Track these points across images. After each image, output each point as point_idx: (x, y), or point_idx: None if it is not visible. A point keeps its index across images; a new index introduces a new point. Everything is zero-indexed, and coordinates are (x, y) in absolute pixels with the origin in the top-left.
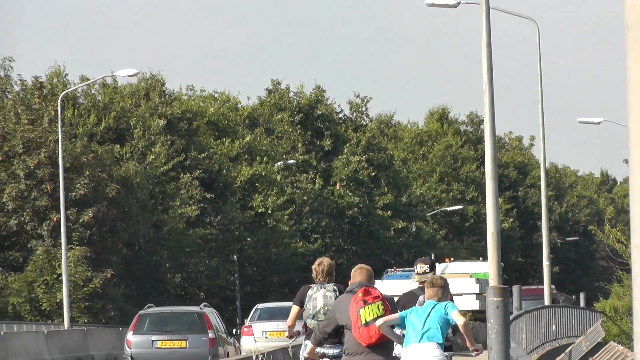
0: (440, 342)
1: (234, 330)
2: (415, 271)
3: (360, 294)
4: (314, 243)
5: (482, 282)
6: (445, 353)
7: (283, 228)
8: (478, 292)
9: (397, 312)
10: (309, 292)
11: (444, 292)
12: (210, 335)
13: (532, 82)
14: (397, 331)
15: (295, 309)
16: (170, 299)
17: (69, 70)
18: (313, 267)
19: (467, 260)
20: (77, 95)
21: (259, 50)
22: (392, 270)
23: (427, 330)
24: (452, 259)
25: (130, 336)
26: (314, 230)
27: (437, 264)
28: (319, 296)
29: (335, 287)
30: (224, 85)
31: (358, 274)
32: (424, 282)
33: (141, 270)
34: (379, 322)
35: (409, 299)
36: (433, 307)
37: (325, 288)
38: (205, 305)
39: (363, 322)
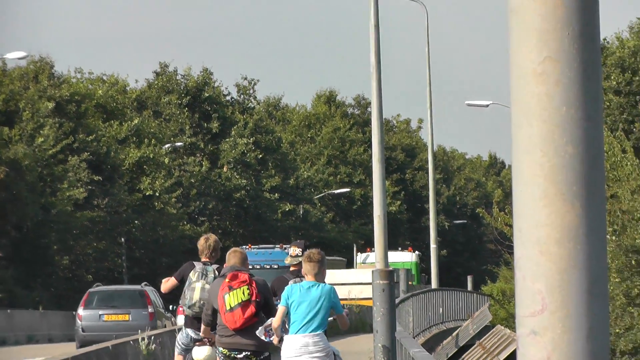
0: (325, 329)
1: (171, 307)
2: (289, 254)
3: (227, 280)
4: (201, 226)
5: (397, 272)
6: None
7: (170, 211)
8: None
9: (269, 296)
10: (191, 274)
11: (322, 267)
12: (150, 310)
13: (421, 65)
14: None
15: (173, 281)
16: (58, 281)
17: None
18: (199, 242)
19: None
20: None
21: (147, 33)
22: (247, 247)
23: (314, 318)
24: (372, 248)
25: (80, 311)
26: (201, 213)
27: (359, 254)
28: (197, 287)
29: (215, 275)
30: (113, 68)
31: (232, 257)
32: (297, 264)
33: (29, 253)
34: (274, 324)
35: (280, 284)
36: (320, 292)
37: (206, 277)
38: (145, 284)
39: (227, 307)
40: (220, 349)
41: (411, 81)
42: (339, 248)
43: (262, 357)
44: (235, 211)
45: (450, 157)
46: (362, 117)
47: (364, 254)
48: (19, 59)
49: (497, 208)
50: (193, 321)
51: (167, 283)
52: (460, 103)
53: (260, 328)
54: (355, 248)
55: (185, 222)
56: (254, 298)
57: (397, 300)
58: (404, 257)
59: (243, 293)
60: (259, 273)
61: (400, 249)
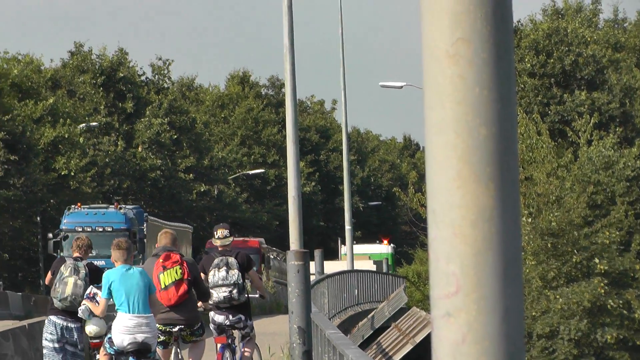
0: (149, 311)
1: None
2: (217, 236)
3: (161, 260)
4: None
5: (377, 263)
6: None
7: (85, 190)
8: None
9: (198, 275)
10: (62, 268)
11: (129, 254)
12: None
13: (334, 46)
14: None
15: (49, 275)
16: None
17: None
18: (73, 241)
19: (368, 243)
20: None
21: (62, 12)
22: (76, 206)
23: (138, 298)
24: (354, 241)
25: None
26: (115, 192)
27: (342, 246)
28: (70, 282)
29: (86, 271)
30: (27, 48)
31: (163, 237)
32: (225, 245)
33: None
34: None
35: (208, 261)
36: (138, 274)
37: (78, 272)
38: None
39: (162, 286)
40: (157, 324)
41: (325, 62)
42: (253, 228)
43: (195, 328)
44: (150, 191)
45: (364, 139)
46: (276, 98)
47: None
48: None
49: (413, 188)
50: (64, 312)
51: (47, 277)
52: (375, 84)
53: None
54: (339, 240)
55: (99, 201)
56: (185, 277)
57: (312, 282)
58: (381, 249)
59: (176, 272)
60: (89, 236)
61: (377, 242)
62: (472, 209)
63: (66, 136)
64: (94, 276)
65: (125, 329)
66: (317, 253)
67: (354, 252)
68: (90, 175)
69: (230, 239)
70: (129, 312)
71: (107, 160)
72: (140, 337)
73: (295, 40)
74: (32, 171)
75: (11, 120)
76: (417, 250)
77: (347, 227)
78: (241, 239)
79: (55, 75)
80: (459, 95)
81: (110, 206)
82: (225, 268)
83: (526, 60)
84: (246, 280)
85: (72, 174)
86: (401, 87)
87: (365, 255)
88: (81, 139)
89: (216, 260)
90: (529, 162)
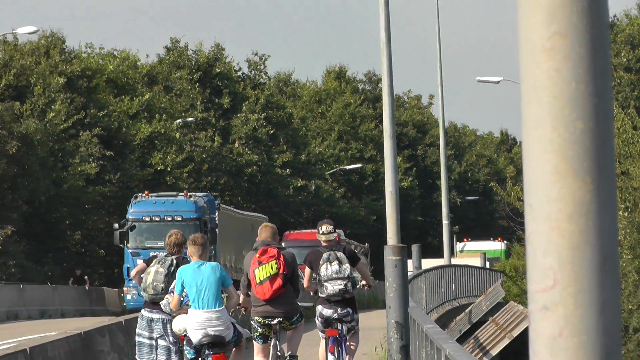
0: (221, 304)
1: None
2: (321, 231)
3: (258, 255)
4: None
5: (491, 260)
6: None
7: (182, 186)
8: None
9: (298, 267)
10: (152, 263)
11: (204, 249)
12: None
13: (431, 41)
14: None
15: (140, 265)
16: (70, 256)
17: None
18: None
19: (482, 240)
20: None
21: (158, 8)
22: (144, 195)
23: (209, 293)
24: (469, 238)
25: None
26: (212, 188)
27: (457, 243)
28: (151, 271)
29: (174, 261)
30: (124, 44)
31: (263, 231)
32: (330, 240)
33: (41, 228)
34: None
35: (315, 256)
36: (210, 269)
37: (162, 263)
38: None
39: (257, 281)
40: (256, 317)
41: (422, 57)
42: (351, 224)
43: (293, 320)
44: (246, 187)
45: (461, 134)
46: (373, 93)
47: (462, 243)
48: (30, 33)
49: (511, 182)
50: (151, 304)
51: (136, 268)
52: (472, 79)
53: None
54: (455, 238)
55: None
56: (281, 271)
57: (409, 277)
58: (495, 246)
59: (271, 267)
60: (157, 226)
61: (492, 239)
62: (569, 203)
63: (162, 132)
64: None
65: (197, 324)
66: (415, 248)
67: (468, 249)
68: (186, 171)
69: (335, 234)
70: (199, 308)
71: (203, 156)
72: (211, 331)
73: (392, 35)
74: (128, 167)
75: (107, 116)
76: (515, 245)
77: (445, 221)
78: None
79: (151, 71)
80: (556, 90)
81: (180, 194)
82: (336, 262)
83: (622, 54)
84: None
85: (169, 169)
86: (498, 81)
87: (478, 252)
88: (177, 135)
89: (325, 255)
90: (625, 157)
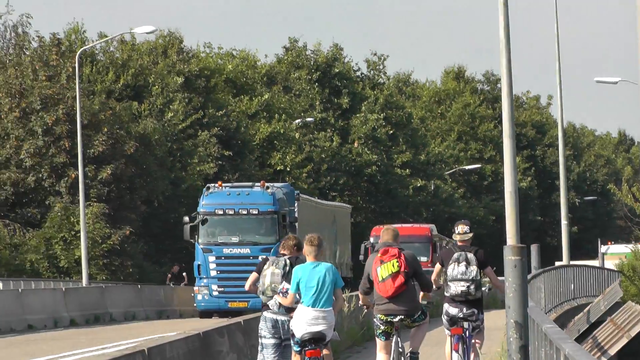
0: (330, 305)
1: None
2: (457, 232)
3: (379, 254)
4: (332, 201)
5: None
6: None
7: (301, 186)
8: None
9: (418, 267)
10: (265, 266)
11: (319, 249)
12: None
13: (550, 41)
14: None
15: (253, 275)
16: (188, 256)
17: (87, 27)
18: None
19: (625, 243)
20: (95, 52)
21: (276, 8)
22: (217, 185)
23: (321, 293)
24: (612, 242)
25: None
26: (332, 188)
27: (602, 246)
28: (267, 274)
29: (287, 261)
30: (242, 43)
31: (385, 234)
32: (465, 240)
33: (159, 228)
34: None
35: (447, 254)
36: (324, 270)
37: (276, 264)
38: None
39: (380, 279)
40: (378, 315)
41: (540, 57)
42: (470, 224)
43: (415, 317)
44: (366, 187)
45: (580, 134)
46: (492, 93)
47: (605, 246)
48: (148, 33)
49: (626, 185)
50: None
51: (251, 278)
52: (590, 80)
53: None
54: (599, 241)
55: (316, 198)
56: (402, 269)
57: (528, 277)
58: (624, 250)
59: (393, 265)
60: (231, 220)
61: (633, 242)
62: None
63: (281, 132)
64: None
65: (305, 321)
66: (534, 248)
67: (611, 252)
68: (305, 171)
69: (470, 234)
70: (310, 306)
71: (322, 156)
72: (316, 328)
73: (511, 35)
74: (246, 167)
75: (225, 116)
76: (633, 245)
77: (563, 222)
78: (410, 225)
79: (270, 71)
80: None
81: (256, 184)
82: (464, 263)
83: None
84: (483, 278)
85: (288, 169)
86: (616, 82)
87: (620, 254)
88: (297, 135)
89: (455, 255)
90: None
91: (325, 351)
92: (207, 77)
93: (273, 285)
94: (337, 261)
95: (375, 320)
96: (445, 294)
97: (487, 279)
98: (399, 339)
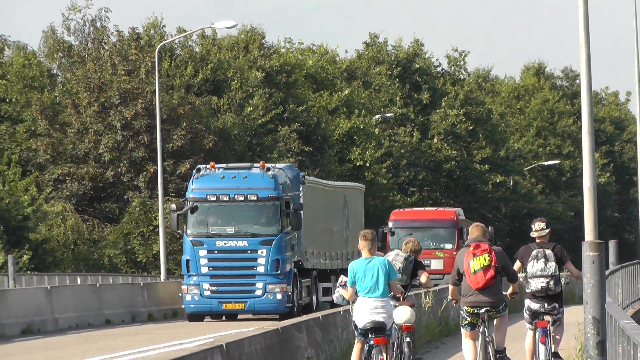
0: (387, 296)
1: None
2: (534, 229)
3: (471, 248)
4: (411, 196)
5: None
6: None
7: (381, 181)
8: None
9: (505, 262)
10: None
11: (373, 244)
12: None
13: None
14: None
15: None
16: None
17: (167, 21)
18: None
19: None
20: (174, 46)
21: (357, 3)
22: (209, 167)
23: (376, 285)
24: None
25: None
26: (411, 184)
27: None
28: (391, 254)
29: (406, 256)
30: (322, 38)
31: (474, 230)
32: (542, 237)
33: None
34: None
35: (526, 251)
36: (377, 264)
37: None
38: None
39: (472, 270)
40: (465, 307)
41: (619, 53)
42: (548, 219)
43: (499, 309)
44: (445, 182)
45: None
46: (571, 89)
47: None
48: (228, 28)
49: None
50: None
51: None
52: None
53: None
54: None
55: (395, 193)
56: (493, 263)
57: (606, 273)
58: None
59: (484, 259)
60: (226, 208)
61: None
62: None
63: (361, 127)
64: (415, 267)
65: (365, 311)
66: (612, 244)
67: None
68: (385, 167)
69: (547, 231)
70: (368, 297)
71: (402, 151)
72: (377, 318)
73: (590, 31)
74: (326, 162)
75: (305, 112)
76: None
77: None
78: (434, 209)
79: (350, 66)
80: None
81: (255, 165)
82: (543, 260)
83: None
84: (562, 272)
85: (368, 165)
86: None
87: None
88: (377, 130)
89: (534, 252)
90: None
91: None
92: (287, 73)
93: (393, 262)
94: (348, 249)
95: (461, 312)
96: (526, 290)
97: (564, 273)
98: (485, 329)
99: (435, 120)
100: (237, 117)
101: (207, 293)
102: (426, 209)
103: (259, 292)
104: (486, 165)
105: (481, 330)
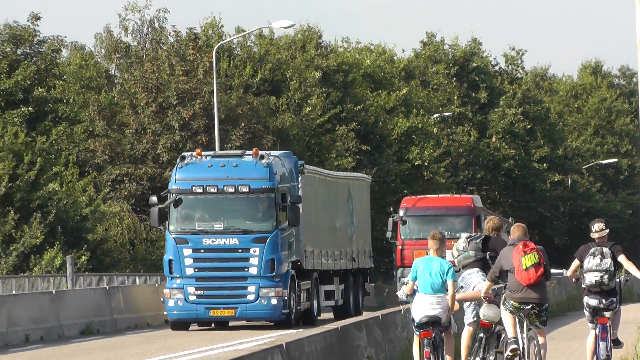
0: (444, 293)
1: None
2: (594, 230)
3: (521, 247)
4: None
5: None
6: None
7: (439, 180)
8: None
9: (547, 262)
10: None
11: (442, 244)
12: None
13: None
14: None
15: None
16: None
17: (225, 21)
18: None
19: None
20: (232, 46)
21: (413, 2)
22: (195, 154)
23: (434, 283)
24: None
25: None
26: (469, 183)
27: None
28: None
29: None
30: (379, 38)
31: (516, 230)
32: (602, 237)
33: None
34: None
35: (585, 250)
36: (439, 264)
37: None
38: None
39: (524, 267)
40: (511, 302)
41: None
42: (606, 218)
43: (543, 308)
44: (503, 181)
45: None
46: (628, 88)
47: None
48: (286, 27)
49: None
50: None
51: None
52: None
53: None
54: None
55: (453, 192)
56: (542, 261)
57: None
58: None
59: (534, 257)
60: (214, 201)
61: None
62: None
63: (420, 126)
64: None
65: (422, 306)
66: None
67: None
68: (444, 166)
69: (607, 231)
70: (426, 293)
71: (460, 150)
72: (432, 312)
73: None
74: (384, 161)
75: (363, 111)
76: None
77: None
78: (449, 195)
79: (408, 65)
80: None
81: (247, 152)
82: (599, 256)
83: None
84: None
85: (426, 164)
86: None
87: None
88: (435, 130)
89: (592, 249)
90: None
91: (447, 335)
92: (345, 72)
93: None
94: (353, 248)
95: (506, 304)
96: (583, 285)
97: (622, 270)
98: (526, 330)
99: (493, 119)
100: (295, 117)
101: (192, 298)
102: (440, 195)
103: (251, 297)
104: (544, 164)
105: (525, 322)
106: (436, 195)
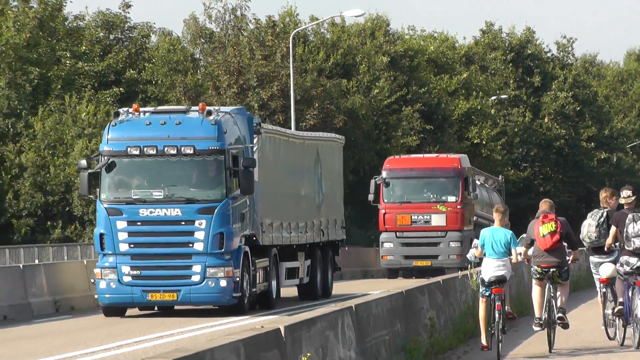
0: (506, 257)
1: None
2: (622, 196)
3: (541, 218)
4: (523, 171)
5: None
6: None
7: (496, 157)
8: None
9: (569, 230)
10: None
11: (504, 216)
12: None
13: None
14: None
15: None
16: None
17: (300, 10)
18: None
19: None
20: (307, 33)
21: None
22: (131, 110)
23: (500, 249)
24: None
25: None
26: (524, 160)
27: None
28: (585, 224)
29: (604, 213)
30: (442, 26)
31: (543, 205)
32: (630, 203)
33: (365, 195)
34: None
35: (621, 217)
36: (503, 234)
37: (593, 216)
38: None
39: (541, 235)
40: (535, 266)
41: None
42: (633, 189)
43: (563, 270)
44: (554, 158)
45: None
46: None
47: None
48: (357, 16)
49: None
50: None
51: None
52: None
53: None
54: None
55: (509, 168)
56: (558, 230)
57: None
58: None
59: (551, 226)
60: (153, 164)
61: None
62: None
63: (479, 108)
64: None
65: (490, 268)
66: None
67: None
68: (500, 144)
69: (633, 197)
70: (493, 258)
71: (515, 130)
72: (499, 272)
73: None
74: (446, 140)
75: (427, 93)
76: None
77: None
78: (434, 155)
79: (468, 52)
80: None
81: (193, 108)
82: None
83: None
84: None
85: (484, 142)
86: None
87: None
88: (492, 111)
89: (630, 215)
90: None
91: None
92: (410, 57)
93: (588, 234)
94: (321, 219)
95: (532, 270)
96: (627, 248)
97: None
98: (551, 287)
99: (546, 101)
100: (364, 99)
101: (127, 279)
102: (425, 155)
103: (196, 278)
104: (592, 143)
105: (547, 287)
106: (421, 155)
